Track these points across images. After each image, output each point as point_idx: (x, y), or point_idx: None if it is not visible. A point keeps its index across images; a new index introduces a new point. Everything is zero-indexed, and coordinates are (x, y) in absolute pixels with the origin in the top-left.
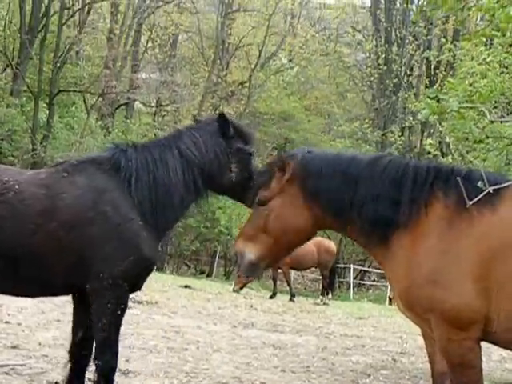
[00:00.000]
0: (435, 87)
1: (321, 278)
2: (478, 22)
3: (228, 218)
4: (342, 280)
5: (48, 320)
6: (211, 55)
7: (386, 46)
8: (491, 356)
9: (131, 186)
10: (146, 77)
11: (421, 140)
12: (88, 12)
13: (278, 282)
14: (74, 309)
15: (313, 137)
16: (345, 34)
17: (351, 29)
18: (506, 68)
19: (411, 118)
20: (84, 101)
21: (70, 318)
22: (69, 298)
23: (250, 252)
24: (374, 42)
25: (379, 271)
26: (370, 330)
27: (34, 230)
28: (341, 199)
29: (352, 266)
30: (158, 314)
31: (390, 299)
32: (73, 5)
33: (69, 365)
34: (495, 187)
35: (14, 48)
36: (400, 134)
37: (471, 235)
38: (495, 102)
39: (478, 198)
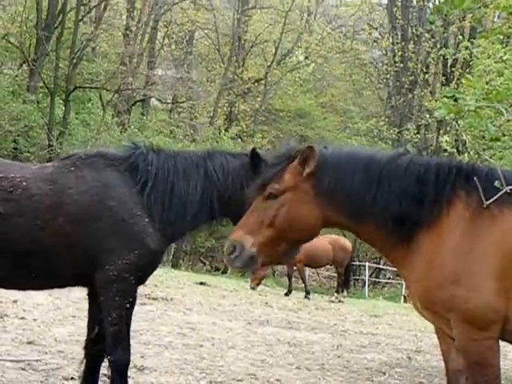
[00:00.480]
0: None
1: (336, 275)
2: (495, 19)
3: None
4: (357, 278)
5: (64, 316)
6: (227, 52)
7: (403, 43)
8: (507, 355)
9: (145, 189)
10: (162, 73)
11: (437, 138)
12: (104, 8)
13: (293, 280)
14: (90, 305)
15: (328, 134)
16: (361, 32)
17: (368, 26)
18: None
19: (427, 116)
20: (100, 97)
21: (86, 313)
22: (84, 293)
23: (251, 244)
24: (391, 39)
25: (394, 269)
26: (384, 327)
27: (41, 226)
28: (361, 197)
29: (367, 263)
30: (173, 311)
31: (405, 297)
32: (89, 1)
33: (84, 361)
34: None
35: (30, 44)
36: (416, 131)
37: (492, 234)
38: None
39: (495, 198)
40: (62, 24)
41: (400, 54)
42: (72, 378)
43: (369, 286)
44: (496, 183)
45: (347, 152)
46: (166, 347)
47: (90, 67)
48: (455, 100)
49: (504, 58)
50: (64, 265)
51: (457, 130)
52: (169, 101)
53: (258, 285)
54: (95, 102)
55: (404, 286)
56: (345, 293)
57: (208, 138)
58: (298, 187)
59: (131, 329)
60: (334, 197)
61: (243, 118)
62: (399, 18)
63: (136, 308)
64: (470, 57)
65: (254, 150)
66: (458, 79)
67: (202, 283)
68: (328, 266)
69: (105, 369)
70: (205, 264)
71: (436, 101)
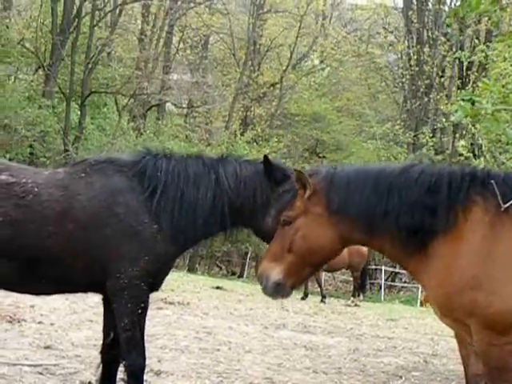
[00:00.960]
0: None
1: (352, 279)
2: (511, 22)
3: None
4: (373, 281)
5: (81, 320)
6: (242, 56)
7: (418, 46)
8: None
9: (154, 196)
10: (177, 78)
11: (452, 142)
12: (119, 13)
13: (309, 284)
14: (105, 311)
15: (344, 138)
16: (376, 35)
17: (383, 30)
18: None
19: (443, 120)
20: (116, 102)
21: (102, 318)
22: (101, 298)
23: (275, 272)
24: (406, 43)
25: None
26: (401, 331)
27: (52, 232)
28: (372, 211)
29: (383, 267)
30: (189, 315)
31: (422, 302)
32: (104, 6)
33: (101, 365)
34: None
35: (45, 49)
36: (431, 135)
37: None
38: None
39: (511, 202)
40: (77, 29)
41: (415, 57)
42: (89, 383)
43: (385, 289)
44: None
45: (355, 169)
46: (183, 351)
47: (106, 72)
48: (472, 103)
49: None
50: (74, 271)
51: (473, 134)
52: (184, 105)
53: None
54: (111, 106)
55: (420, 290)
56: (361, 297)
57: (223, 143)
58: (309, 211)
59: (148, 333)
60: (346, 214)
61: (259, 123)
62: (415, 21)
63: (152, 312)
64: (486, 60)
65: (265, 157)
66: (474, 82)
67: (218, 287)
68: (344, 270)
69: (122, 373)
70: (221, 268)
71: (452, 104)
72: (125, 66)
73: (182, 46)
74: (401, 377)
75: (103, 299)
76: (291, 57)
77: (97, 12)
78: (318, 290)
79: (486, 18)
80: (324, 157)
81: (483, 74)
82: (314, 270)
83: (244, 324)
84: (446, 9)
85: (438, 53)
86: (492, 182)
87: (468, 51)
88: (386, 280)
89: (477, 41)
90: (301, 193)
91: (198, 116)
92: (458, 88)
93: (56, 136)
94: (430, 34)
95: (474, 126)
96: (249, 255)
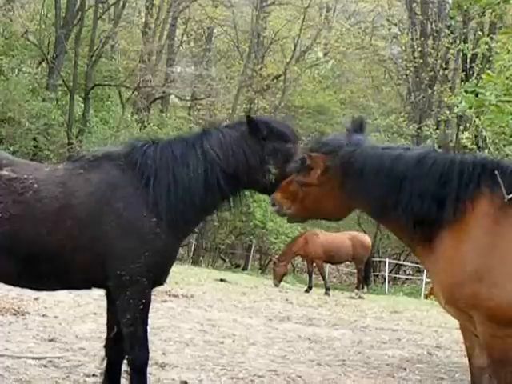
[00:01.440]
0: (472, 81)
1: (356, 271)
2: None
3: (263, 212)
4: (377, 274)
5: (85, 313)
6: (246, 49)
7: (422, 39)
8: None
9: (149, 185)
10: (181, 71)
11: (456, 133)
12: (123, 6)
13: (313, 276)
14: (108, 304)
15: None
16: (380, 28)
17: (387, 22)
18: None
19: (447, 112)
20: (119, 95)
21: (106, 311)
22: (104, 291)
23: (287, 208)
24: (410, 35)
25: (414, 265)
26: (405, 323)
27: (51, 229)
28: (384, 200)
29: (387, 259)
30: (193, 308)
31: (427, 295)
32: None
33: (105, 358)
34: None
35: (49, 42)
36: (435, 127)
37: None
38: None
39: None
40: (80, 22)
41: (419, 49)
42: (94, 375)
43: (389, 282)
44: None
45: (373, 153)
46: (187, 344)
47: (109, 65)
48: (476, 95)
49: None
50: (74, 268)
51: (477, 126)
52: (188, 98)
53: (280, 281)
54: (114, 99)
55: (424, 282)
56: (365, 289)
57: None
58: (324, 184)
59: (152, 326)
60: (359, 198)
61: (262, 115)
62: (418, 13)
63: (157, 305)
64: (490, 52)
65: (248, 116)
66: (478, 75)
67: (222, 280)
68: (348, 263)
69: (126, 366)
70: (225, 261)
71: (456, 96)
72: (128, 58)
73: (185, 38)
74: (405, 369)
75: (106, 293)
76: (295, 49)
77: (100, 5)
78: (322, 282)
79: (490, 11)
80: None
81: (487, 66)
82: (318, 219)
83: (248, 316)
84: (450, 1)
85: (441, 45)
86: (496, 173)
87: (472, 43)
88: (390, 272)
89: (480, 33)
90: (316, 170)
91: (201, 108)
92: (462, 80)
93: (60, 129)
94: (433, 26)
95: (478, 117)
96: (253, 248)
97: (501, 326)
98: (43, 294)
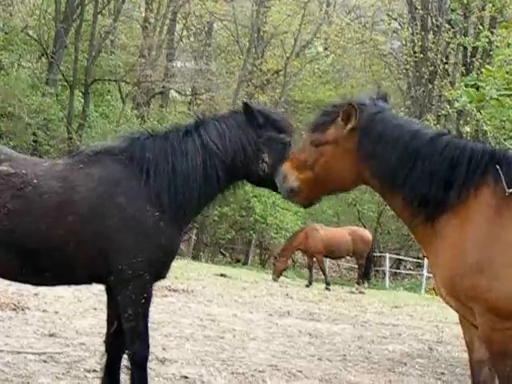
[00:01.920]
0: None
1: (356, 266)
2: None
3: (263, 207)
4: (377, 269)
5: (85, 308)
6: (246, 43)
7: (422, 33)
8: None
9: (149, 176)
10: (181, 65)
11: (457, 128)
12: (123, 1)
13: (314, 271)
14: (108, 299)
15: None
16: (380, 22)
17: (387, 16)
18: None
19: (447, 106)
20: (119, 90)
21: (106, 306)
22: (104, 286)
23: (293, 178)
24: (410, 29)
25: (415, 260)
26: (405, 318)
27: (51, 224)
28: (395, 173)
29: (388, 254)
30: (193, 303)
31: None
32: None
33: (105, 354)
34: None
35: (49, 37)
36: (436, 122)
37: None
38: None
39: None
40: (80, 16)
41: (420, 44)
42: (94, 370)
43: (389, 277)
44: None
45: (394, 124)
46: (187, 339)
47: (109, 59)
48: (477, 88)
49: None
50: (75, 263)
51: (477, 121)
52: (188, 93)
53: (279, 276)
54: (114, 94)
55: (425, 277)
56: (365, 284)
57: None
58: (338, 143)
59: (152, 321)
60: (371, 163)
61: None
62: (419, 8)
63: (157, 300)
64: (490, 46)
65: (245, 104)
66: (479, 69)
67: (222, 275)
68: (349, 258)
69: (126, 361)
70: (225, 256)
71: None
72: (128, 53)
73: (185, 33)
74: (405, 364)
75: (107, 288)
76: (295, 44)
77: None
78: (323, 277)
79: (491, 5)
80: None
81: (487, 60)
82: (328, 193)
83: (248, 311)
84: None
85: (442, 39)
86: (497, 167)
87: (472, 38)
88: (390, 267)
89: (481, 27)
90: (340, 124)
91: (201, 103)
92: (463, 74)
93: (60, 124)
94: (434, 20)
95: (478, 111)
96: (253, 242)
97: (500, 319)
98: (43, 289)
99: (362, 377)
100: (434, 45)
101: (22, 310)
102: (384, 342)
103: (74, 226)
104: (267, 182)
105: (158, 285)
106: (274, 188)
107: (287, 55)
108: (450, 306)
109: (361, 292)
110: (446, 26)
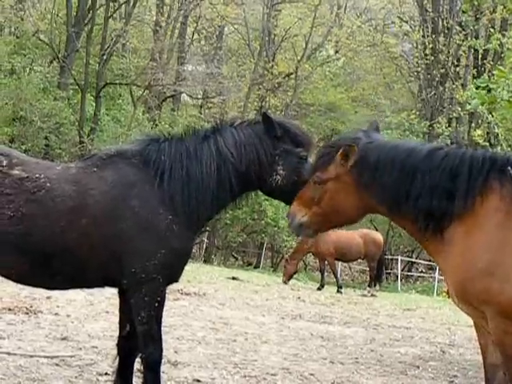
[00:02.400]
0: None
1: (368, 269)
2: None
3: (275, 210)
4: (389, 271)
5: (97, 312)
6: (257, 47)
7: (433, 36)
8: None
9: (163, 180)
10: (192, 69)
11: (468, 131)
12: (134, 4)
13: (326, 274)
14: (121, 302)
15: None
16: (391, 25)
17: (398, 19)
18: None
19: (459, 109)
20: (131, 93)
21: (118, 310)
22: (116, 290)
23: (301, 214)
24: (421, 32)
25: (427, 263)
26: (418, 321)
27: (65, 227)
28: (397, 192)
29: (400, 257)
30: (206, 306)
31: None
32: None
33: (118, 357)
34: None
35: (60, 41)
36: (447, 124)
37: None
38: None
39: None
40: (91, 20)
41: (431, 46)
42: (106, 374)
43: (401, 279)
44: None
45: (389, 147)
46: (200, 342)
47: (120, 63)
48: (488, 90)
49: None
50: (89, 266)
51: (489, 123)
52: (199, 96)
53: (289, 279)
54: (126, 98)
55: (437, 280)
56: (377, 287)
57: None
58: (340, 179)
59: (164, 324)
60: (373, 190)
61: (274, 113)
62: (430, 10)
63: (169, 303)
64: (501, 48)
65: (265, 114)
66: (490, 71)
67: (234, 278)
68: (360, 260)
69: (139, 364)
70: (237, 259)
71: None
72: (139, 57)
73: (196, 36)
74: (418, 367)
75: (119, 291)
76: (306, 47)
77: (111, 3)
78: (334, 280)
79: (502, 7)
80: None
81: (499, 62)
82: (336, 225)
83: (260, 314)
84: None
85: (453, 42)
86: (509, 168)
87: (483, 40)
88: (402, 270)
89: (492, 30)
90: (340, 161)
91: (212, 107)
92: (474, 77)
93: (71, 128)
94: (445, 23)
95: (490, 114)
96: (265, 246)
97: None
98: (55, 293)
99: (374, 380)
100: (445, 47)
101: (35, 313)
102: (396, 345)
103: (87, 230)
104: (279, 193)
105: (170, 288)
106: (286, 201)
107: (298, 58)
108: (463, 311)
109: (373, 295)
110: (457, 28)
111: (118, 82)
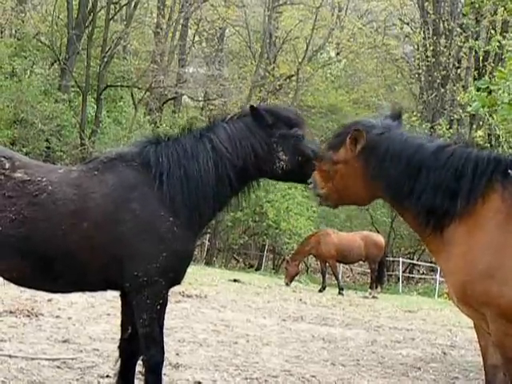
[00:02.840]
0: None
1: (369, 271)
2: None
3: (276, 212)
4: (390, 273)
5: (98, 314)
6: (258, 49)
7: (434, 38)
8: None
9: (163, 182)
10: (193, 71)
11: (469, 132)
12: (135, 6)
13: (327, 276)
14: (123, 305)
15: None
16: (392, 27)
17: (399, 21)
18: None
19: (460, 111)
20: (132, 95)
21: (120, 312)
22: (118, 292)
23: (320, 188)
24: (422, 34)
25: (428, 264)
26: (419, 323)
27: (66, 231)
28: (401, 186)
29: (401, 259)
30: (207, 308)
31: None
32: (120, 0)
33: (119, 359)
34: None
35: (61, 43)
36: (448, 126)
37: None
38: None
39: None
40: (92, 23)
41: (432, 48)
42: (107, 376)
43: (403, 281)
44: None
45: (399, 140)
46: (201, 344)
47: (121, 65)
48: (489, 92)
49: None
50: (90, 270)
51: (489, 125)
52: (200, 98)
53: (291, 281)
54: (127, 100)
55: (438, 282)
56: (379, 289)
57: None
58: (349, 162)
59: (166, 326)
60: (379, 180)
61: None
62: (431, 12)
63: (171, 305)
64: (501, 50)
65: (251, 106)
66: (491, 73)
67: (235, 280)
68: (361, 262)
69: (140, 366)
70: (238, 261)
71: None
72: (140, 59)
73: (197, 38)
74: (419, 368)
75: (121, 293)
76: (307, 49)
77: (112, 5)
78: (336, 282)
79: (502, 9)
80: None
81: (500, 64)
82: (348, 203)
83: (262, 317)
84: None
85: (454, 44)
86: (509, 171)
87: (484, 42)
88: (403, 272)
89: (493, 31)
90: (349, 144)
91: (214, 109)
92: (475, 79)
93: (72, 130)
94: (446, 24)
95: (491, 115)
96: (266, 248)
97: None
98: (56, 295)
99: (375, 381)
100: (446, 49)
101: (36, 316)
102: (397, 347)
103: (88, 233)
104: (289, 176)
105: (172, 290)
106: (298, 181)
107: (299, 60)
108: (463, 312)
109: (374, 297)
110: (458, 30)
111: (119, 84)
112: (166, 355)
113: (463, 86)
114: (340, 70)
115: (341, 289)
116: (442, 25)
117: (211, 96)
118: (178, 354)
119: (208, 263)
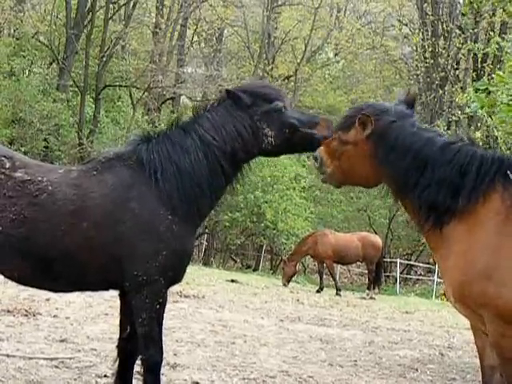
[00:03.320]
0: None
1: (367, 272)
2: None
3: (274, 213)
4: (388, 274)
5: (96, 314)
6: (257, 49)
7: (433, 39)
8: None
9: (158, 180)
10: (191, 71)
11: (467, 134)
12: (134, 6)
13: (324, 277)
14: (121, 305)
15: None
16: (391, 28)
17: (398, 22)
18: None
19: (458, 112)
20: (130, 95)
21: (118, 311)
22: (116, 291)
23: (326, 166)
24: (421, 35)
25: (426, 265)
26: (416, 324)
27: (66, 231)
28: (406, 178)
29: (398, 260)
30: (205, 308)
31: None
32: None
33: (117, 359)
34: None
35: (59, 43)
36: (446, 127)
37: None
38: None
39: None
40: (91, 22)
41: (430, 49)
42: (105, 376)
43: (400, 282)
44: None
45: (409, 132)
46: (199, 344)
47: (120, 65)
48: (488, 93)
49: None
50: (90, 270)
51: (488, 126)
52: (199, 98)
53: (288, 281)
54: (125, 100)
55: (435, 283)
56: (376, 289)
57: None
58: (357, 145)
59: (164, 326)
60: (385, 168)
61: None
62: (429, 13)
63: (168, 306)
64: (500, 51)
65: (227, 90)
66: (489, 75)
67: (233, 281)
68: (359, 263)
69: (139, 366)
70: (236, 261)
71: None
72: (139, 59)
73: (196, 39)
74: (416, 369)
75: (120, 293)
76: (306, 49)
77: (111, 5)
78: (333, 283)
79: (501, 10)
80: None
81: (498, 66)
82: (354, 184)
83: (259, 317)
84: (461, 1)
85: (452, 45)
86: (508, 172)
87: (483, 43)
88: (401, 273)
89: (492, 33)
90: (358, 128)
91: None
92: (473, 80)
93: (71, 129)
94: (444, 26)
95: (489, 117)
96: (264, 248)
97: (510, 326)
98: (54, 295)
99: (372, 382)
100: (445, 50)
101: (34, 315)
102: (395, 348)
103: (88, 233)
104: (281, 150)
105: (170, 290)
106: (292, 152)
107: (298, 61)
108: (460, 312)
109: (371, 298)
110: (457, 31)
111: (117, 84)
112: (164, 355)
113: (462, 88)
114: (338, 70)
115: (338, 289)
116: (440, 26)
117: (210, 96)
118: (175, 354)
119: (206, 263)
